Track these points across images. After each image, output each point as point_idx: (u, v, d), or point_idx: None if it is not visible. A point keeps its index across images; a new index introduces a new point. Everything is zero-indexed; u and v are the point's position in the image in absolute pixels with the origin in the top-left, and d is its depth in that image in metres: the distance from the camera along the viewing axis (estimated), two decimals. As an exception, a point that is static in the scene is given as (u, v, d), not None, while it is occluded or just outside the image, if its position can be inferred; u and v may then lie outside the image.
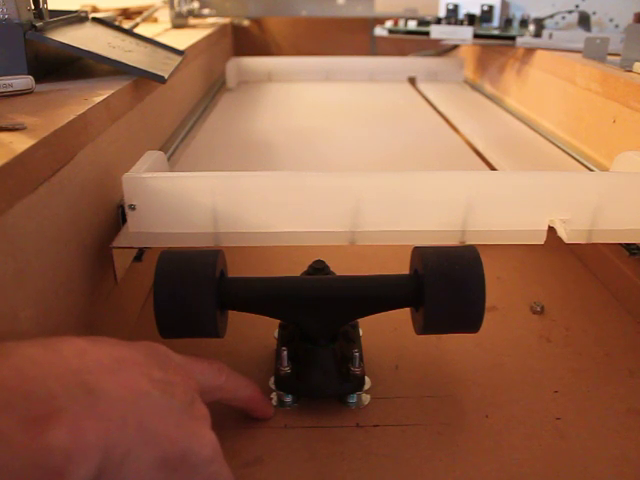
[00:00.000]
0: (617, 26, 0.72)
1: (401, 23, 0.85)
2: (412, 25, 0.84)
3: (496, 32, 0.75)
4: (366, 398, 0.34)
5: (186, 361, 0.27)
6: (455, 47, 1.01)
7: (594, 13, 0.72)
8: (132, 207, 0.34)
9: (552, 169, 0.52)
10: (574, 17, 0.73)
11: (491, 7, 0.78)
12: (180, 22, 0.92)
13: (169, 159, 0.52)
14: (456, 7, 0.81)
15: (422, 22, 0.83)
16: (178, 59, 0.56)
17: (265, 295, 0.33)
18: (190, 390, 0.25)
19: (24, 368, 0.19)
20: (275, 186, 0.34)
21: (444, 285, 0.31)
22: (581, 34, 0.67)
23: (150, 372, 0.23)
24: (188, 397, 0.24)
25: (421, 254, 0.33)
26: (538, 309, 0.43)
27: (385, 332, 0.40)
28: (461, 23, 0.78)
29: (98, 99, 0.37)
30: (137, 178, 0.34)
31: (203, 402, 0.25)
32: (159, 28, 0.88)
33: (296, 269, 0.38)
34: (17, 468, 0.17)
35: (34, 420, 0.18)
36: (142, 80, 0.47)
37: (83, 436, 0.19)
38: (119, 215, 0.39)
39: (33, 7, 0.42)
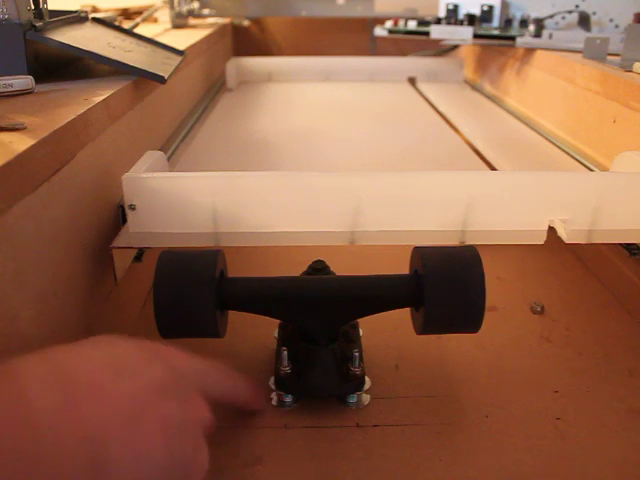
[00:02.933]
0: (617, 26, 0.72)
1: (401, 23, 0.85)
2: (412, 25, 0.84)
3: (496, 32, 0.75)
4: (366, 398, 0.34)
5: (199, 374, 0.27)
6: (455, 47, 1.01)
7: (594, 13, 0.72)
8: (132, 207, 0.34)
9: (552, 169, 0.52)
10: (574, 17, 0.73)
11: (491, 7, 0.78)
12: (180, 22, 0.92)
13: (169, 159, 0.52)
14: (456, 7, 0.81)
15: (422, 22, 0.83)
16: (178, 59, 0.56)
17: (265, 295, 0.33)
18: (199, 436, 0.24)
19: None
20: (275, 186, 0.34)
21: (444, 285, 0.31)
22: (581, 34, 0.67)
23: (165, 414, 0.23)
24: (193, 445, 0.24)
25: (421, 254, 0.33)
26: (538, 309, 0.43)
27: (385, 332, 0.40)
28: (461, 23, 0.78)
29: (98, 99, 0.37)
30: (137, 178, 0.34)
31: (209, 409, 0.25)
32: (159, 28, 0.88)
33: (296, 269, 0.38)
34: None
35: None
36: (142, 80, 0.47)
37: None
38: (119, 215, 0.39)
39: (33, 7, 0.42)
